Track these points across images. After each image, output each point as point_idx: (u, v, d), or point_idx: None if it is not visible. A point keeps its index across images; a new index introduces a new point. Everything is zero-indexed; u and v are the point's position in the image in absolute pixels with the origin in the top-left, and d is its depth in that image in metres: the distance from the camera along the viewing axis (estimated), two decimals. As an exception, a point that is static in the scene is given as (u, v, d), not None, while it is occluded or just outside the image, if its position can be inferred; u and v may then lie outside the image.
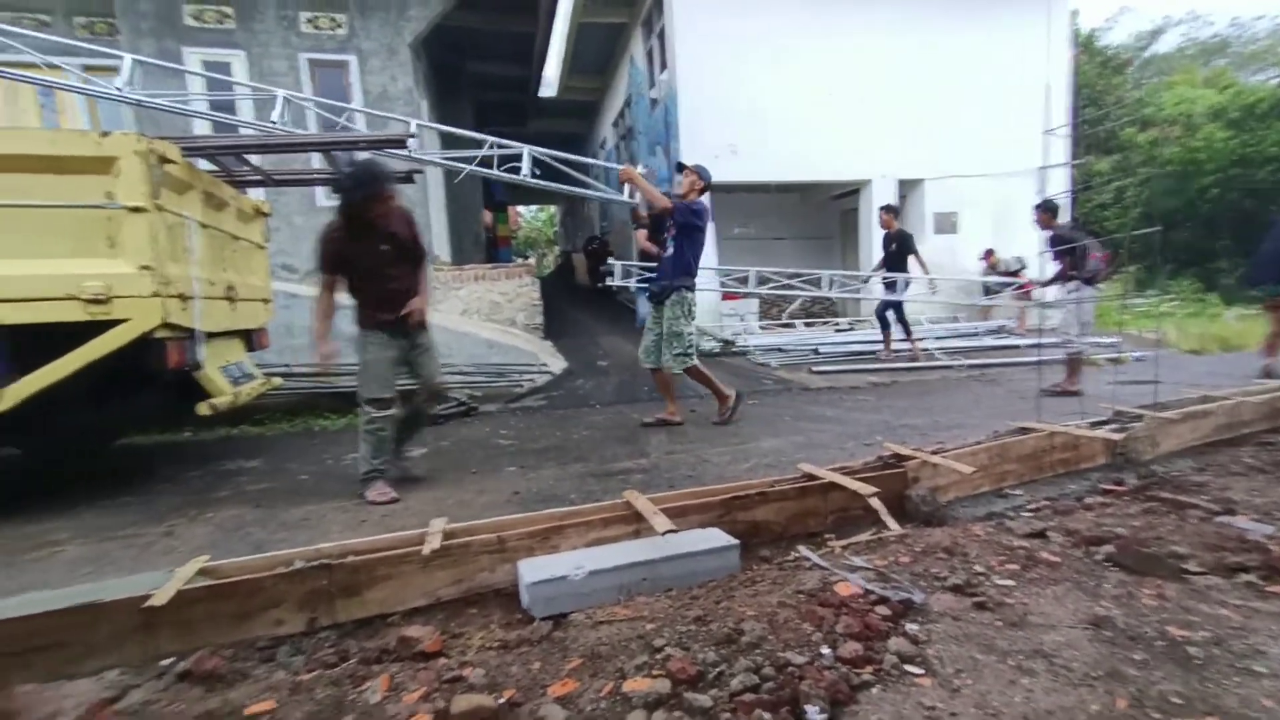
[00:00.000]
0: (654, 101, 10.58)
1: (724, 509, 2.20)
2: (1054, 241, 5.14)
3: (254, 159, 4.57)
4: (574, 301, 13.19)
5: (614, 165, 4.72)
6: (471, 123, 10.42)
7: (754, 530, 2.21)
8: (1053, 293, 5.51)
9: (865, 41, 9.38)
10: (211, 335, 3.42)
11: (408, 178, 5.34)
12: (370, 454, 3.07)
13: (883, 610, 1.55)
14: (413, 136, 4.56)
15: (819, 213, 11.93)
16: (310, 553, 1.90)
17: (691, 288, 4.33)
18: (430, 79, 9.03)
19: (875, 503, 2.24)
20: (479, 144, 4.99)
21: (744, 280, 7.78)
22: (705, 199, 4.54)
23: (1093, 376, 5.47)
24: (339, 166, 4.89)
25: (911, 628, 1.49)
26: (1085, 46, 17.93)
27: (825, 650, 1.40)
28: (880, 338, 7.40)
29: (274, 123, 4.60)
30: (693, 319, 4.33)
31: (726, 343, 8.00)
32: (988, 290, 9.47)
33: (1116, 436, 2.91)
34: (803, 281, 7.76)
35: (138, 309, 2.90)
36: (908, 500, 2.40)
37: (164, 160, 3.04)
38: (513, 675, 1.40)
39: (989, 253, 9.77)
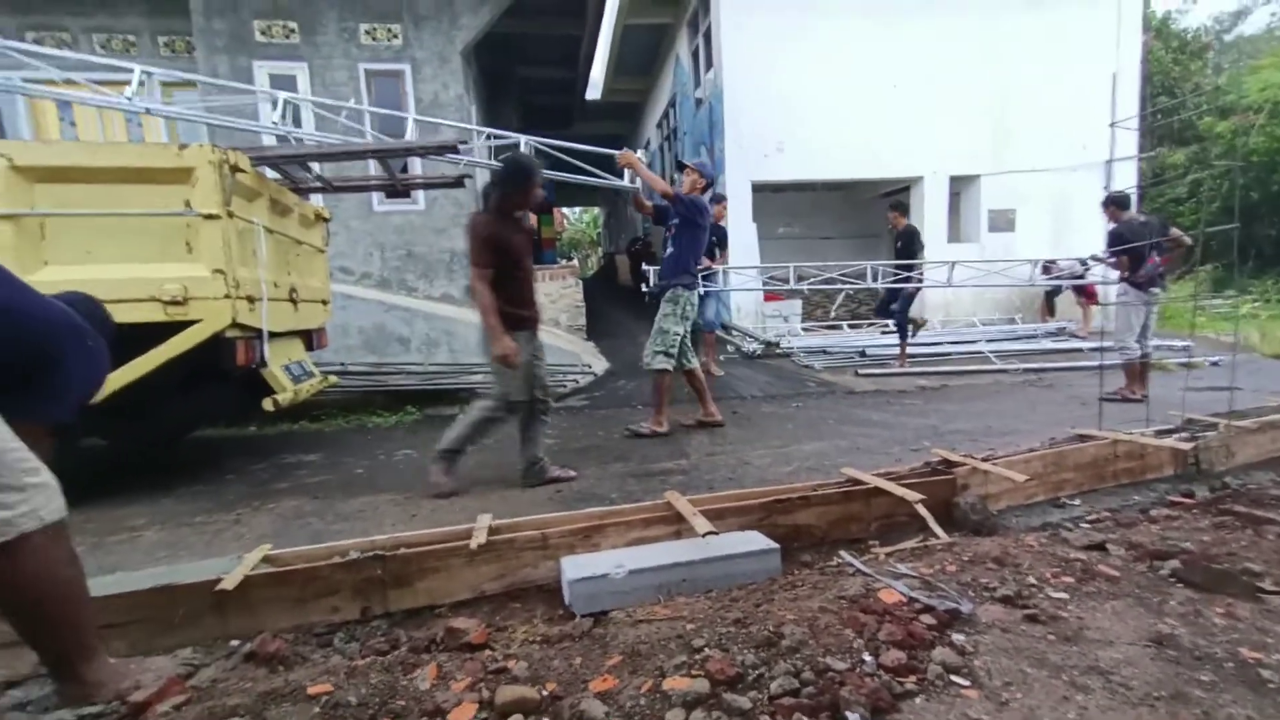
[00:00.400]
0: (699, 101, 10.56)
1: (764, 512, 2.19)
2: (1113, 239, 4.88)
3: (315, 167, 4.80)
4: (617, 303, 13.28)
5: (614, 151, 4.68)
6: (518, 126, 10.62)
7: (795, 534, 2.20)
8: (1116, 293, 5.23)
9: (918, 33, 9.12)
10: (275, 335, 3.61)
11: (458, 182, 5.51)
12: (464, 439, 3.10)
13: (928, 619, 1.51)
14: (464, 143, 4.69)
15: (867, 211, 11.65)
16: (365, 544, 1.99)
17: (689, 286, 4.21)
18: (479, 84, 9.26)
19: (921, 509, 2.19)
20: (478, 135, 5.10)
21: (784, 279, 7.67)
22: (708, 197, 4.49)
23: (1163, 382, 5.16)
24: (392, 171, 5.08)
25: (958, 638, 1.45)
26: (1159, 31, 16.90)
27: (867, 657, 1.38)
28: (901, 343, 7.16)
29: (274, 123, 4.84)
30: (685, 320, 4.18)
31: (769, 344, 7.91)
32: (1050, 294, 9.06)
33: (1186, 446, 2.75)
34: (844, 275, 7.58)
35: (211, 310, 3.10)
36: (956, 508, 2.34)
37: (235, 170, 3.23)
38: (554, 669, 1.44)
39: (1049, 264, 9.07)
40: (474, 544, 1.93)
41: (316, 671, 1.43)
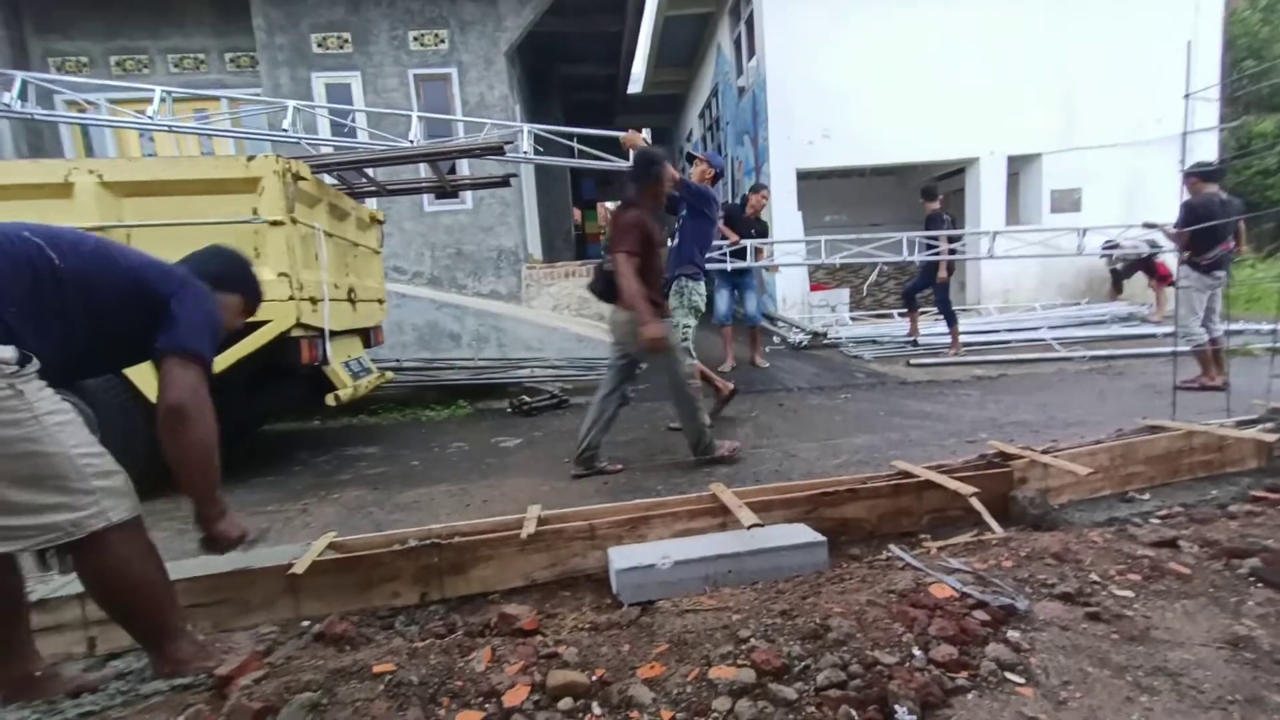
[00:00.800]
0: (741, 90, 10.41)
1: (811, 505, 2.18)
2: (1185, 213, 4.51)
3: (370, 171, 5.00)
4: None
5: (619, 134, 4.65)
6: (561, 123, 10.74)
7: (842, 527, 2.17)
8: (1179, 275, 4.86)
9: (972, 5, 8.70)
10: (336, 333, 3.80)
11: (505, 181, 5.64)
12: (699, 422, 3.29)
13: (981, 615, 1.48)
14: (509, 143, 4.79)
15: (919, 195, 11.26)
16: (422, 532, 2.09)
17: (694, 277, 4.16)
18: (522, 84, 9.41)
19: (975, 503, 2.13)
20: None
21: (815, 251, 7.48)
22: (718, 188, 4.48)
23: (1248, 369, 4.80)
24: (441, 173, 5.24)
25: (1013, 635, 1.41)
26: (1245, -10, 15.56)
27: (917, 652, 1.36)
28: (946, 330, 6.85)
29: (284, 130, 5.05)
30: (694, 310, 4.16)
31: (816, 334, 7.76)
32: (1117, 275, 8.53)
33: (1271, 438, 2.57)
34: (877, 249, 7.33)
35: (277, 311, 3.28)
36: (1013, 502, 2.26)
37: (297, 177, 3.41)
38: (603, 655, 1.48)
39: (1111, 245, 8.45)
40: (524, 534, 2.00)
41: (380, 652, 1.52)
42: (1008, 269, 8.98)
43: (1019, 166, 9.36)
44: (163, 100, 4.84)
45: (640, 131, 4.51)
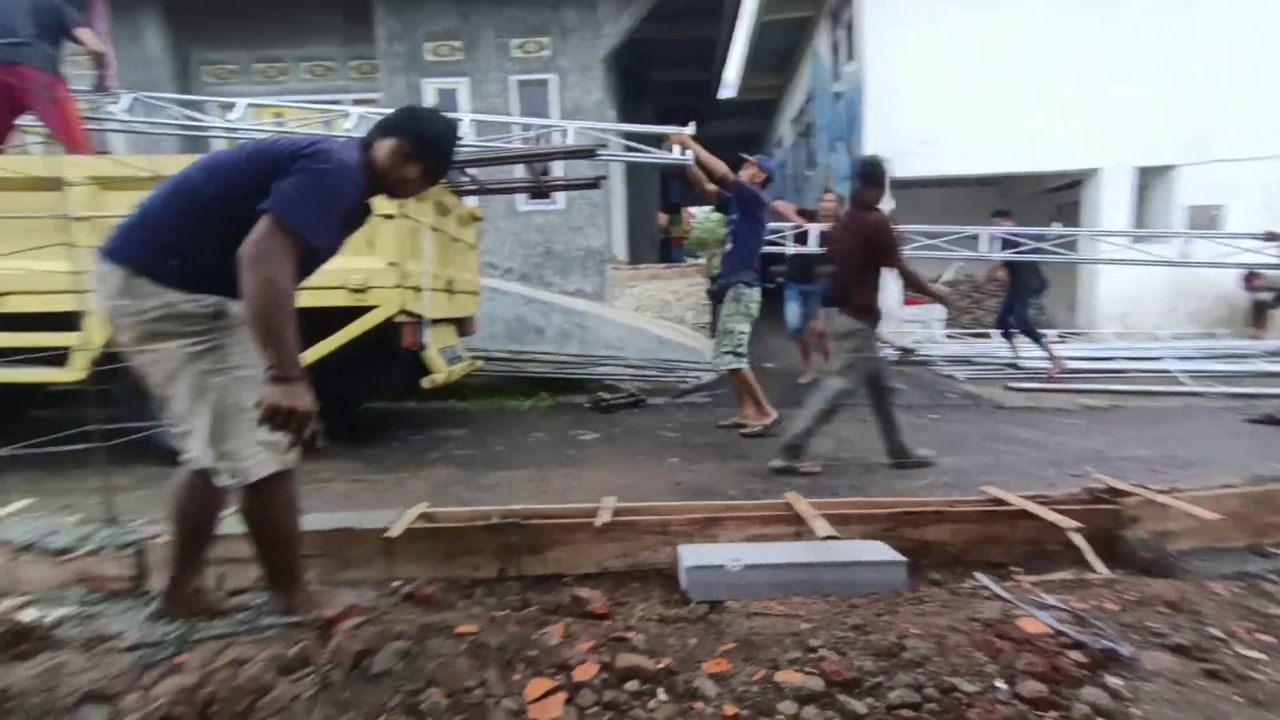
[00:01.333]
0: (837, 95, 10.13)
1: (891, 523, 2.11)
2: None
3: (471, 170, 5.29)
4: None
5: (671, 130, 4.62)
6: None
7: (923, 550, 2.09)
8: None
9: (1095, 3, 8.01)
10: (434, 321, 4.05)
11: (595, 183, 5.80)
12: (897, 432, 3.44)
13: (1076, 656, 1.38)
14: (603, 146, 4.93)
15: (1027, 207, 10.45)
16: (504, 511, 2.20)
17: (751, 283, 4.13)
18: (617, 89, 9.61)
19: (1078, 539, 1.98)
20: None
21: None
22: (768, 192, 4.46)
23: None
24: (536, 174, 5.46)
25: (1113, 681, 1.31)
26: None
27: (1000, 684, 1.30)
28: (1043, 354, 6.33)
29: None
30: (750, 317, 4.15)
31: (905, 350, 7.41)
32: (1260, 305, 7.59)
33: None
34: (950, 242, 6.87)
35: (385, 298, 3.55)
36: (1121, 542, 2.08)
37: (408, 175, 3.66)
38: (670, 646, 1.50)
39: (1252, 276, 7.55)
40: (599, 523, 2.06)
41: (462, 615, 1.62)
42: (1127, 289, 8.21)
43: (1149, 179, 8.52)
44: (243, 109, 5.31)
45: (688, 127, 4.58)
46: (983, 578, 1.91)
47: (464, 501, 2.89)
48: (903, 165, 8.53)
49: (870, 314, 3.35)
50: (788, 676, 1.33)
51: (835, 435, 4.23)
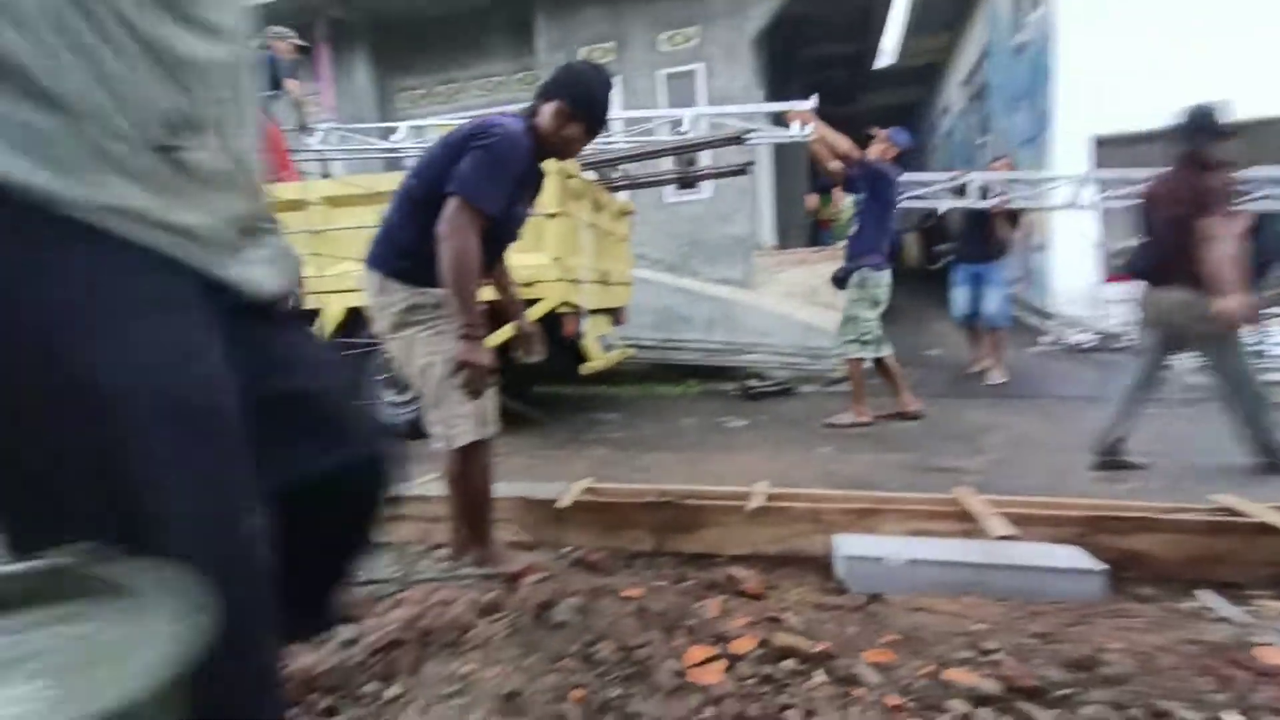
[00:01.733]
0: (1019, 48, 8.93)
1: (1085, 528, 1.88)
2: None
3: (622, 166, 5.53)
4: (901, 285, 12.15)
5: (791, 106, 4.26)
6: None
7: (1125, 560, 1.84)
8: None
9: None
10: (591, 312, 4.33)
11: (742, 170, 5.76)
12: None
13: (1337, 697, 1.16)
14: (751, 131, 4.88)
15: (1269, 158, 8.43)
16: (660, 490, 2.32)
17: (878, 266, 3.87)
18: (766, 71, 9.38)
19: (1345, 563, 1.62)
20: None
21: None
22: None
23: None
24: (683, 166, 5.56)
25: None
26: None
27: (1229, 717, 1.13)
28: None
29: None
30: (876, 303, 3.90)
31: (1106, 336, 6.41)
32: None
33: None
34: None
35: (549, 290, 3.87)
36: None
37: (568, 175, 3.95)
38: (827, 632, 1.51)
39: None
40: (750, 506, 2.10)
41: (625, 582, 1.76)
42: None
43: None
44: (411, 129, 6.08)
45: (808, 101, 4.31)
46: (1208, 596, 1.65)
47: (621, 480, 3.07)
48: (1103, 120, 7.33)
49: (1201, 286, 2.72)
50: (958, 675, 1.27)
51: (1013, 433, 3.83)
